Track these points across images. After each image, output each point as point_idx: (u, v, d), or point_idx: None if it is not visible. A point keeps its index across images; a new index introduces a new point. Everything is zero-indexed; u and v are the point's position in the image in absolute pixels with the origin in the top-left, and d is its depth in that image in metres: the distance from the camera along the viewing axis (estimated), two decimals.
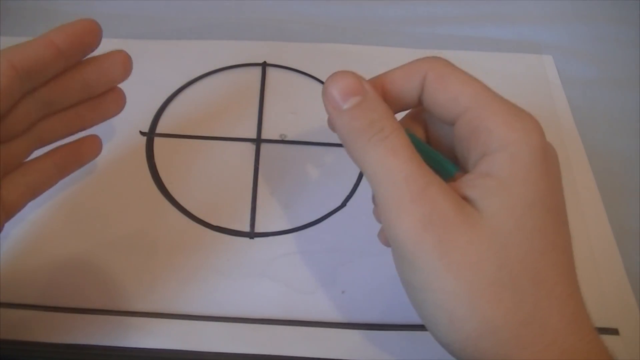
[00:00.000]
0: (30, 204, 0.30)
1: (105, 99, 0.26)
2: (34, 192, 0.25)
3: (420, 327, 0.27)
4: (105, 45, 0.37)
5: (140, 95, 0.35)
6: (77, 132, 0.26)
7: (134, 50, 0.37)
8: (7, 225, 0.29)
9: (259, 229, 0.30)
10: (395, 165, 0.20)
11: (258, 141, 0.34)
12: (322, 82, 0.36)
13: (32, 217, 0.30)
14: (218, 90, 0.36)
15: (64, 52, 0.23)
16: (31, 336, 0.26)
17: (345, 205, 0.31)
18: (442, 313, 0.20)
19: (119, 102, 0.26)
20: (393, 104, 0.22)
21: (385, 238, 0.24)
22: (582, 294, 0.21)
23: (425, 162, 0.20)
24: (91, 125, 0.26)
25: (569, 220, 0.21)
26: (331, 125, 0.23)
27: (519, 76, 0.38)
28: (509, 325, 0.19)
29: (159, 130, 0.34)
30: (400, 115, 0.24)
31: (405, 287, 0.22)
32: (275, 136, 0.34)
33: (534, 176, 0.20)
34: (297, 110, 0.35)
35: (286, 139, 0.34)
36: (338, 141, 0.33)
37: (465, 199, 0.20)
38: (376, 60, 0.38)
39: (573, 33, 0.41)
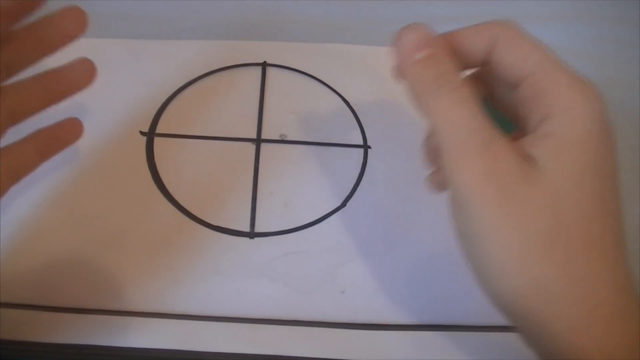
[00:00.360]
0: (30, 204, 0.30)
1: (73, 69, 0.26)
2: (16, 176, 0.25)
3: (421, 327, 0.27)
4: (106, 46, 0.38)
5: (140, 95, 0.35)
6: (49, 105, 0.26)
7: (134, 51, 0.38)
8: (6, 225, 0.29)
9: (259, 228, 0.30)
10: (462, 116, 0.20)
11: (258, 141, 0.34)
12: (322, 82, 0.37)
13: (32, 216, 0.30)
14: (218, 90, 0.36)
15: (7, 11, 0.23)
16: (31, 336, 0.26)
17: (345, 205, 0.31)
18: (494, 264, 0.20)
19: (89, 73, 0.27)
20: (459, 61, 0.23)
21: (434, 183, 0.26)
22: None
23: None
24: (62, 98, 0.26)
25: None
26: (399, 74, 0.23)
27: None
28: (560, 282, 0.20)
29: (159, 130, 0.34)
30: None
31: (459, 237, 0.22)
32: (275, 136, 0.34)
33: (594, 142, 0.20)
34: (297, 110, 0.35)
35: (286, 139, 0.34)
36: (338, 141, 0.34)
37: (526, 157, 0.20)
38: (376, 60, 0.38)
39: (573, 33, 0.41)
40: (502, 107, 0.24)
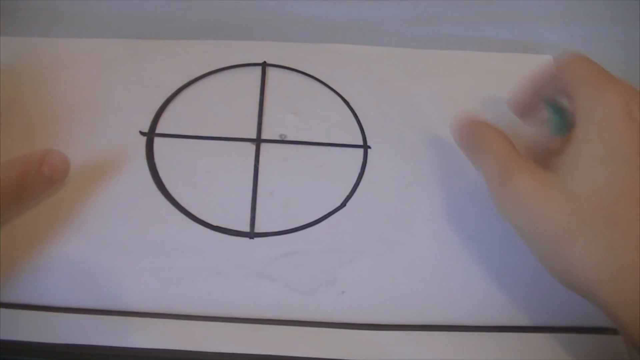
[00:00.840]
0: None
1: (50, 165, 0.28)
2: None
3: (421, 328, 0.27)
4: (105, 46, 0.38)
5: (140, 95, 0.35)
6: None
7: (134, 51, 0.38)
8: (6, 225, 0.29)
9: (258, 229, 0.30)
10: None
11: (258, 141, 0.34)
12: (322, 82, 0.37)
13: (32, 216, 0.30)
14: (218, 91, 0.36)
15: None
16: (31, 336, 0.26)
17: (345, 205, 0.31)
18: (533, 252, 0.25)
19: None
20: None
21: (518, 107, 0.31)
22: None
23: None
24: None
25: None
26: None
27: (518, 76, 0.38)
28: (587, 264, 0.22)
29: (159, 130, 0.34)
30: None
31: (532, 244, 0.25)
32: (275, 136, 0.34)
33: (612, 129, 0.24)
34: (297, 110, 0.35)
35: (286, 139, 0.34)
36: (338, 141, 0.34)
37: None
38: (376, 60, 0.38)
39: (573, 33, 0.41)
40: None
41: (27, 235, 0.29)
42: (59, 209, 0.30)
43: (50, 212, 0.30)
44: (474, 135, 0.27)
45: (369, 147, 0.34)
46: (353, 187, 0.32)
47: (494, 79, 0.38)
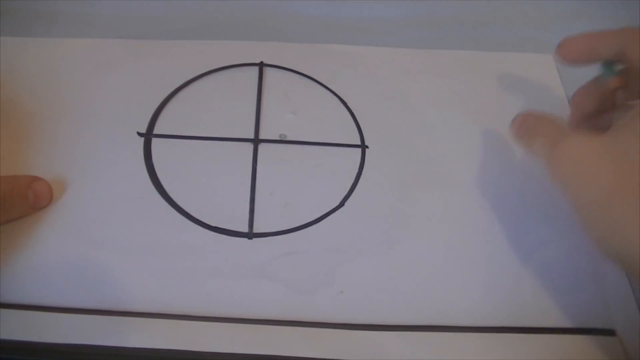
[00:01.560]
0: None
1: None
2: None
3: (420, 328, 0.27)
4: (103, 46, 0.38)
5: (138, 96, 0.35)
6: None
7: (131, 51, 0.38)
8: (6, 225, 0.29)
9: (257, 229, 0.30)
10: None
11: (256, 141, 0.34)
12: (319, 83, 0.37)
13: (32, 217, 0.30)
14: (215, 91, 0.36)
15: None
16: (31, 336, 0.26)
17: (343, 204, 0.31)
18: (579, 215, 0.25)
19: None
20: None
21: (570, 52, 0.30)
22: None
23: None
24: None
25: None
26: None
27: (518, 75, 0.38)
28: (630, 226, 0.22)
29: (156, 131, 0.34)
30: None
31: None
32: (273, 136, 0.34)
33: None
34: (294, 110, 0.35)
35: (285, 139, 0.34)
36: (336, 141, 0.34)
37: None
38: (374, 60, 0.38)
39: (573, 33, 0.41)
40: None
41: (27, 236, 0.29)
42: (58, 209, 0.30)
43: (50, 212, 0.30)
44: (527, 122, 0.29)
45: (367, 147, 0.34)
46: (351, 187, 0.32)
47: (494, 79, 0.38)
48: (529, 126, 0.28)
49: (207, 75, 0.37)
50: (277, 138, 0.34)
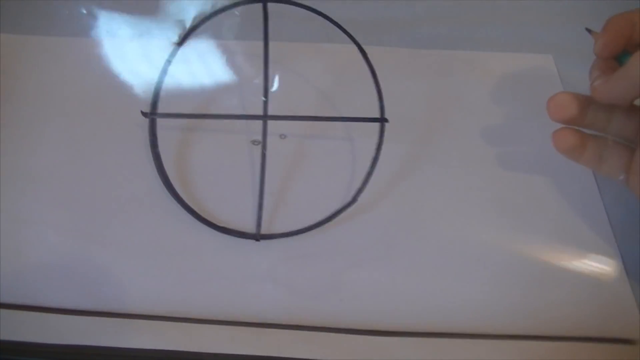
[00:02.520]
0: (30, 204, 0.30)
1: None
2: None
3: (425, 335, 0.27)
4: (102, 48, 0.38)
5: (139, 74, 0.35)
6: None
7: (132, 50, 0.38)
8: (6, 225, 0.29)
9: (265, 230, 0.30)
10: None
11: (265, 117, 0.31)
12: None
13: (32, 217, 0.30)
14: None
15: None
16: (31, 337, 0.26)
17: (356, 200, 0.30)
18: None
19: None
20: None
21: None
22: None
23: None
24: None
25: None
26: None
27: (518, 75, 0.38)
28: None
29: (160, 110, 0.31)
30: None
31: None
32: (279, 130, 0.33)
33: None
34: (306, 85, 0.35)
35: (285, 138, 0.33)
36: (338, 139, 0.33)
37: None
38: (375, 61, 0.38)
39: (573, 33, 0.41)
40: None
41: (27, 235, 0.29)
42: (59, 208, 0.30)
43: (51, 212, 0.30)
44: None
45: (387, 121, 0.30)
46: (363, 183, 0.30)
47: (494, 78, 0.38)
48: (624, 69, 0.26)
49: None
50: (286, 114, 0.31)
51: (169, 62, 0.29)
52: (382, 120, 0.29)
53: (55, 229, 0.29)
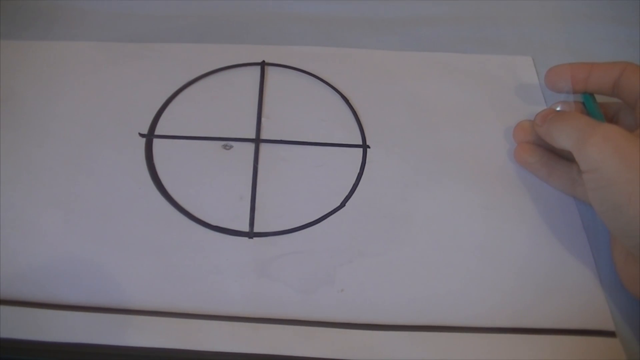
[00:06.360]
0: (30, 204, 0.30)
1: None
2: None
3: (420, 328, 0.27)
4: (104, 48, 0.38)
5: (139, 98, 0.35)
6: None
7: (132, 53, 0.38)
8: (6, 225, 0.29)
9: (258, 228, 0.30)
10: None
11: (257, 141, 0.34)
12: (322, 80, 0.36)
13: (32, 217, 0.30)
14: (217, 91, 0.36)
15: None
16: (31, 334, 0.26)
17: (344, 205, 0.31)
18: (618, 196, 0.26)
19: None
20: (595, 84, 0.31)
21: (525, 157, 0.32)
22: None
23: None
24: None
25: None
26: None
27: (497, 77, 0.38)
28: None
29: (158, 132, 0.34)
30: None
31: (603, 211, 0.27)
32: (274, 137, 0.34)
33: None
34: (296, 110, 0.35)
35: (285, 139, 0.34)
36: (337, 141, 0.34)
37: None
38: (375, 62, 0.38)
39: (572, 33, 0.41)
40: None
41: (28, 235, 0.29)
42: (59, 209, 0.30)
43: (51, 212, 0.30)
44: (552, 117, 0.30)
45: (368, 147, 0.34)
46: (352, 188, 0.32)
47: (472, 80, 0.38)
48: (556, 119, 0.29)
49: (209, 76, 0.37)
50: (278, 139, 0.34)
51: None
52: (364, 146, 0.34)
53: (54, 228, 0.30)
